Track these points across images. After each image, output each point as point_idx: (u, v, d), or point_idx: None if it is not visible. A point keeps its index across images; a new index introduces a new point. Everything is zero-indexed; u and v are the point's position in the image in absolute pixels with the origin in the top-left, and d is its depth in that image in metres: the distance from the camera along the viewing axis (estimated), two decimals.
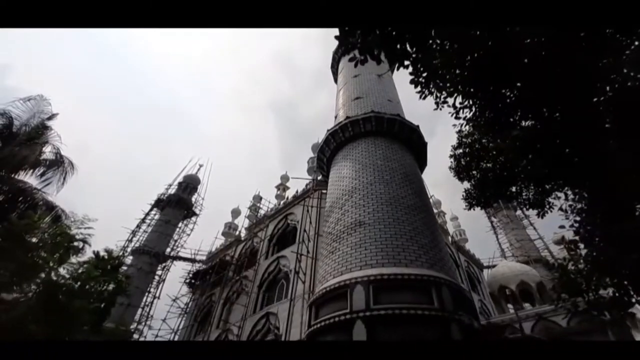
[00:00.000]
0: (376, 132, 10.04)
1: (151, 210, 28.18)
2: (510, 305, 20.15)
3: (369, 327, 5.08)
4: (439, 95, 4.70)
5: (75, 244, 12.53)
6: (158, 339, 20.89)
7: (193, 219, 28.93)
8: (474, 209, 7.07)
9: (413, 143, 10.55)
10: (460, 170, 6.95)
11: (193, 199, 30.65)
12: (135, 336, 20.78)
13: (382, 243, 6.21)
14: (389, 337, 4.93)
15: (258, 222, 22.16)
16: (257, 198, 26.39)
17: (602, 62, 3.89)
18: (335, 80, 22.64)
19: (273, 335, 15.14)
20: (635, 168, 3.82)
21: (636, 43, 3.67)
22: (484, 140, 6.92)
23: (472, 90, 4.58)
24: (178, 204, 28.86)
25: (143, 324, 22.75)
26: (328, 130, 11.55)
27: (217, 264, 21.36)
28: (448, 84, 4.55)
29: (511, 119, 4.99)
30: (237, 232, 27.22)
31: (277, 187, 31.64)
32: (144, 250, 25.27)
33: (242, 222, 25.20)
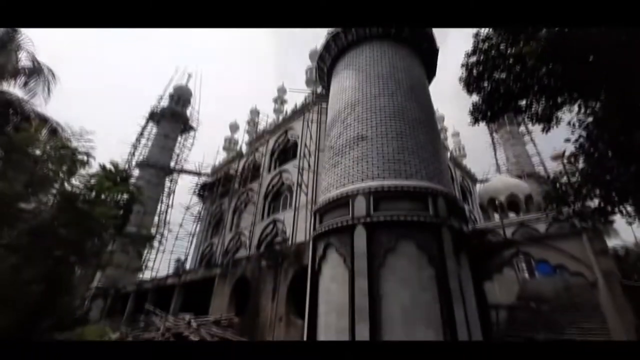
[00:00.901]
0: (382, 35, 8.92)
1: (147, 124, 28.16)
2: (496, 215, 21.89)
3: (368, 230, 5.60)
4: None
5: (80, 157, 12.80)
6: (177, 241, 23.42)
7: (191, 133, 29.11)
8: (478, 124, 6.93)
9: (423, 49, 9.52)
10: (471, 82, 6.52)
11: (188, 113, 30.29)
12: (156, 242, 23.22)
13: (384, 157, 6.28)
14: (385, 237, 5.48)
15: (258, 137, 22.09)
16: (255, 112, 25.68)
17: None
18: None
19: (281, 239, 16.97)
20: None
21: None
22: (502, 47, 6.29)
23: None
24: (173, 117, 28.72)
25: (162, 227, 25.16)
26: (329, 33, 10.26)
27: (222, 177, 22.27)
28: None
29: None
30: (238, 147, 27.58)
31: (275, 100, 30.31)
32: (149, 163, 26.13)
33: (242, 137, 25.20)
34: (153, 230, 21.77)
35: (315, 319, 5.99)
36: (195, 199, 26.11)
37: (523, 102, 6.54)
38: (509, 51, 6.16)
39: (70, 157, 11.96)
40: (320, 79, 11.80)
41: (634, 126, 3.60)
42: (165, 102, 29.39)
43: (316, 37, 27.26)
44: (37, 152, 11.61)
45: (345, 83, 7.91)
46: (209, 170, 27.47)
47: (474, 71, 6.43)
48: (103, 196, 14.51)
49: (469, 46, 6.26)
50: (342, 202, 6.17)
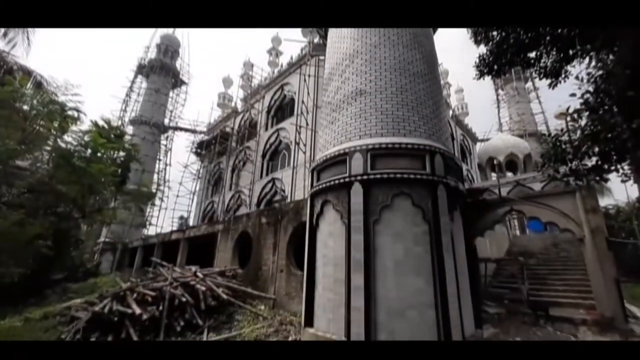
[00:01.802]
0: None
1: (136, 77, 27.03)
2: (494, 174, 22.02)
3: (365, 187, 5.65)
4: None
5: (70, 112, 12.42)
6: (179, 199, 23.79)
7: (183, 87, 28.05)
8: (483, 79, 6.62)
9: None
10: (480, 31, 6.09)
11: (178, 65, 28.85)
12: (157, 200, 23.52)
13: (382, 113, 6.08)
14: (382, 194, 5.55)
15: (253, 92, 21.24)
16: (249, 65, 24.32)
17: None
18: None
19: (280, 197, 17.25)
20: None
21: None
22: None
23: None
24: (162, 70, 27.45)
25: (162, 185, 25.42)
26: None
27: (219, 135, 21.91)
28: None
29: None
30: (233, 104, 26.73)
31: (269, 52, 28.50)
32: (142, 120, 25.53)
33: (237, 93, 24.26)
34: (153, 188, 21.97)
35: (314, 271, 6.32)
36: (193, 157, 25.99)
37: (532, 55, 6.20)
38: None
39: (59, 113, 11.62)
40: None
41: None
42: (153, 54, 27.77)
43: None
44: (25, 107, 11.24)
45: (343, 31, 7.34)
46: (204, 128, 26.95)
47: None
48: (99, 153, 14.42)
49: None
50: (339, 160, 6.12)
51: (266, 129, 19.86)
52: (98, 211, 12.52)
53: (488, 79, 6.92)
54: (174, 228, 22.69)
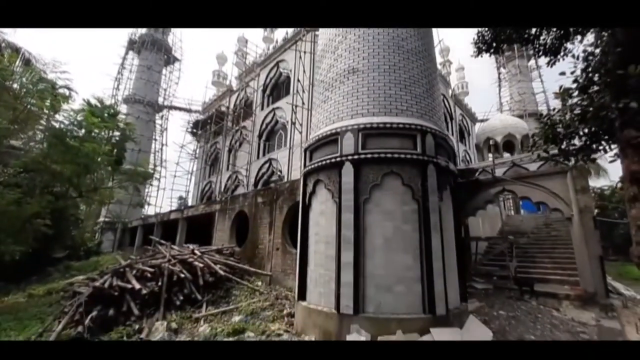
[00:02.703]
0: None
1: (127, 53, 26.26)
2: (490, 155, 22.02)
3: (356, 167, 5.70)
4: None
5: (60, 90, 12.18)
6: (176, 178, 23.84)
7: (176, 65, 27.29)
8: (481, 56, 6.49)
9: None
10: None
11: (170, 41, 27.89)
12: (155, 180, 23.50)
13: (374, 92, 6.01)
14: (372, 174, 5.63)
15: (248, 70, 20.73)
16: (243, 41, 23.54)
17: None
18: None
19: (277, 177, 17.31)
20: None
21: None
22: None
23: None
24: (154, 45, 26.59)
25: (160, 165, 25.39)
26: None
27: (214, 114, 21.62)
28: None
29: None
30: (228, 82, 26.16)
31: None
32: (135, 99, 25.08)
33: (231, 71, 23.65)
34: (150, 168, 21.93)
35: (307, 248, 6.49)
36: (189, 137, 25.78)
37: (533, 31, 6.03)
38: None
39: (50, 92, 11.41)
40: None
41: (633, 60, 3.37)
42: (143, 29, 26.81)
43: None
44: (15, 85, 11.01)
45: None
46: (199, 107, 26.53)
47: None
48: (94, 133, 14.29)
49: None
50: (331, 140, 6.13)
51: (262, 108, 19.57)
52: (94, 190, 12.59)
53: (491, 57, 6.76)
54: (173, 208, 22.90)
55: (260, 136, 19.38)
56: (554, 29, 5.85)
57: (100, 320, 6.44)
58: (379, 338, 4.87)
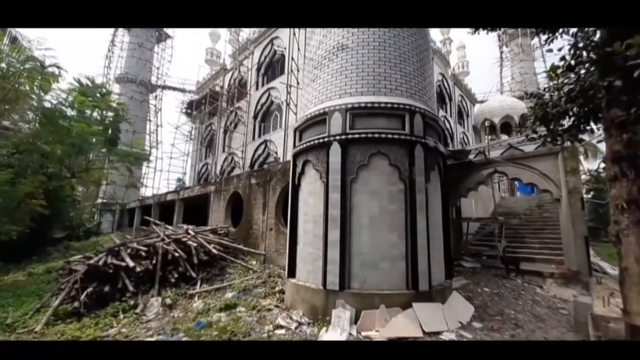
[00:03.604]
0: None
1: (117, 30, 25.25)
2: (488, 137, 21.87)
3: (343, 147, 5.70)
4: None
5: (50, 69, 11.91)
6: (173, 160, 23.78)
7: (168, 42, 26.41)
8: (479, 33, 6.30)
9: None
10: None
11: None
12: (152, 163, 23.44)
13: (363, 70, 5.89)
14: (360, 154, 5.64)
15: (242, 48, 20.14)
16: None
17: None
18: None
19: (273, 159, 17.27)
20: None
21: None
22: None
23: None
24: None
25: (155, 147, 25.25)
26: None
27: (208, 94, 21.21)
28: None
29: None
30: (221, 60, 25.48)
31: None
32: (128, 78, 24.53)
33: (224, 48, 22.95)
34: (143, 149, 21.81)
35: (296, 228, 6.60)
36: (183, 118, 25.45)
37: None
38: None
39: (40, 71, 11.15)
40: None
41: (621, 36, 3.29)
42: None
43: None
44: (2, 65, 10.74)
45: None
46: (193, 87, 26.02)
47: None
48: (87, 113, 14.09)
49: None
50: (319, 120, 6.08)
51: (257, 88, 19.20)
52: (86, 171, 12.56)
53: (488, 34, 6.56)
54: (170, 190, 23.00)
55: (255, 117, 19.13)
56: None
57: (97, 296, 6.65)
58: (363, 312, 5.07)
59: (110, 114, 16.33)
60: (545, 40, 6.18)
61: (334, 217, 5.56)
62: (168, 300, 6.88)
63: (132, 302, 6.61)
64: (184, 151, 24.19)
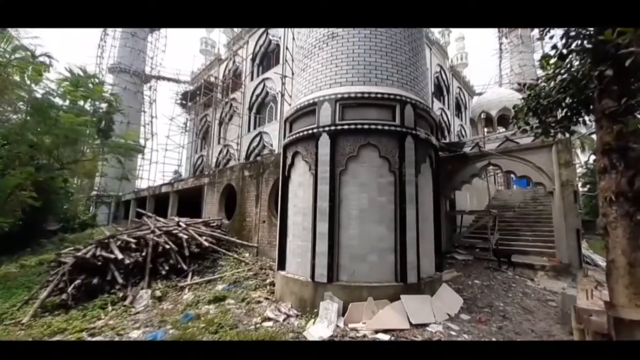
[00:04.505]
0: None
1: None
2: (485, 129, 21.76)
3: (332, 138, 5.60)
4: None
5: (41, 59, 11.65)
6: (168, 152, 23.58)
7: (162, 31, 25.87)
8: None
9: None
10: None
11: None
12: (146, 155, 23.14)
13: (354, 60, 5.74)
14: (349, 145, 5.55)
15: (236, 37, 19.79)
16: None
17: None
18: None
19: (268, 151, 17.13)
20: None
21: None
22: None
23: None
24: None
25: (151, 139, 25.00)
26: None
27: (203, 85, 20.92)
28: None
29: None
30: (216, 50, 25.06)
31: None
32: (121, 68, 24.12)
33: (219, 38, 22.59)
34: (141, 142, 21.63)
35: (286, 220, 6.55)
36: (178, 109, 25.16)
37: None
38: None
39: (30, 61, 10.90)
40: None
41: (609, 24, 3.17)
42: None
43: None
44: None
45: None
46: (188, 77, 25.64)
47: None
48: (80, 103, 13.85)
49: None
50: (309, 110, 5.96)
51: (252, 78, 18.93)
52: (75, 162, 12.37)
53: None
54: (166, 182, 22.87)
55: (250, 109, 18.92)
56: None
57: (85, 288, 6.61)
58: (351, 304, 5.05)
59: (104, 105, 16.09)
60: (541, 33, 6.06)
61: (323, 210, 5.50)
62: (158, 293, 6.85)
63: (121, 295, 6.58)
64: (180, 143, 23.98)
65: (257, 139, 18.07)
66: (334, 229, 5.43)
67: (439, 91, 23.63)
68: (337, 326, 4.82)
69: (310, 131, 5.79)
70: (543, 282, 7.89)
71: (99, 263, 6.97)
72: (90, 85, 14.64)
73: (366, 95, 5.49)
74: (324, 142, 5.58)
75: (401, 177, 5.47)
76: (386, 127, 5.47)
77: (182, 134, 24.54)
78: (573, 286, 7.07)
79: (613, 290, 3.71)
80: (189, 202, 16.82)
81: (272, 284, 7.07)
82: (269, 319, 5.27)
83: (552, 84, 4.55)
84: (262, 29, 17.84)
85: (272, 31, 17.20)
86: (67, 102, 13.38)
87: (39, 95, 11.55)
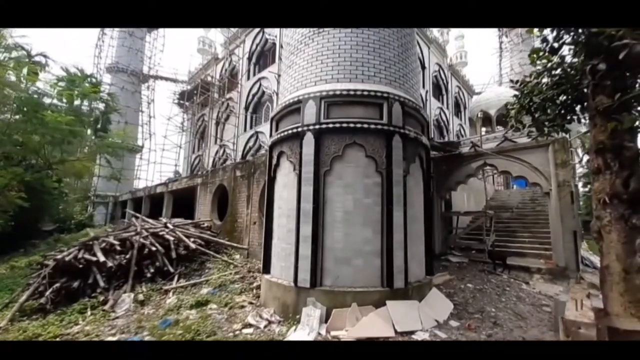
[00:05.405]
0: None
1: None
2: (484, 129, 21.47)
3: (316, 137, 5.40)
4: None
5: (37, 59, 11.52)
6: (165, 152, 23.44)
7: (160, 31, 25.73)
8: None
9: None
10: None
11: None
12: (144, 155, 22.98)
13: (340, 56, 5.54)
14: (334, 145, 5.35)
15: (233, 36, 19.62)
16: None
17: None
18: None
19: (264, 151, 16.94)
20: None
21: None
22: None
23: None
24: None
25: (148, 139, 24.88)
26: None
27: (200, 85, 20.75)
28: None
29: None
30: (213, 49, 24.88)
31: None
32: (119, 68, 24.00)
33: (216, 37, 22.41)
34: (139, 142, 21.50)
35: (272, 222, 6.35)
36: (176, 109, 25.00)
37: None
38: None
39: (26, 61, 10.77)
40: None
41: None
42: None
43: None
44: None
45: None
46: (185, 77, 25.50)
47: None
48: (75, 103, 13.72)
49: None
50: (294, 108, 5.76)
51: (248, 78, 18.73)
52: (61, 162, 12.18)
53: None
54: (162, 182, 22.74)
55: (246, 108, 18.72)
56: None
57: (65, 292, 6.44)
58: (334, 310, 4.84)
59: (101, 105, 15.94)
60: (541, 32, 5.84)
61: (307, 212, 5.29)
62: (141, 296, 6.66)
63: (102, 299, 6.40)
64: (177, 143, 23.81)
65: (253, 138, 17.87)
66: (317, 231, 5.22)
67: (438, 90, 23.37)
68: (319, 333, 4.62)
69: (294, 130, 5.59)
70: (538, 285, 7.65)
71: (81, 266, 6.80)
72: (87, 85, 14.52)
73: (352, 92, 5.29)
74: (308, 141, 5.38)
75: (388, 177, 5.26)
76: (372, 126, 5.26)
77: (180, 133, 24.37)
78: (568, 291, 6.84)
79: (607, 297, 3.49)
80: (184, 202, 16.65)
81: (259, 287, 6.87)
82: (250, 326, 5.08)
83: (545, 80, 4.34)
84: (258, 28, 17.65)
85: (269, 30, 16.99)
86: (64, 102, 13.27)
87: (27, 95, 11.42)
